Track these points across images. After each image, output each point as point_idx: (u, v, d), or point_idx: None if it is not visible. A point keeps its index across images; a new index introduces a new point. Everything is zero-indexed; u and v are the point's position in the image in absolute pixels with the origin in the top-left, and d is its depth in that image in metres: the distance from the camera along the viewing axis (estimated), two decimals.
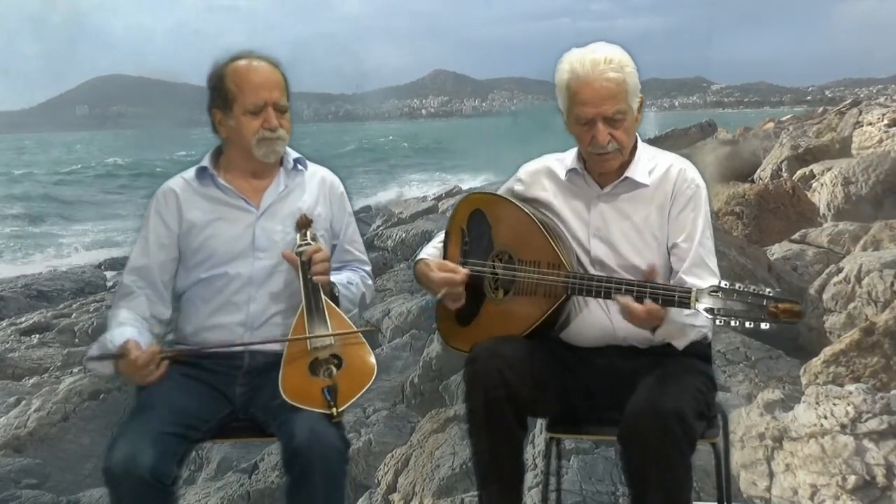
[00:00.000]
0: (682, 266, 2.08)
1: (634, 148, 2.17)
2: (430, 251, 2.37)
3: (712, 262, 2.11)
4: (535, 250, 2.13)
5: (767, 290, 1.82)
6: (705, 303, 1.84)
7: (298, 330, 2.12)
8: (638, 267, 2.11)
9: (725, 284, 1.83)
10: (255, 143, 2.20)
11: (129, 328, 2.14)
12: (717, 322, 1.84)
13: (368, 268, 2.46)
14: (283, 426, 2.00)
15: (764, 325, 1.80)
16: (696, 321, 2.01)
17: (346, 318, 2.17)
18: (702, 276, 2.05)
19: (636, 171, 2.14)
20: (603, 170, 2.16)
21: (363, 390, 2.05)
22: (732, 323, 1.81)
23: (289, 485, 1.97)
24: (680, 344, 2.06)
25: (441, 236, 2.39)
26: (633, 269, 2.11)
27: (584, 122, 2.08)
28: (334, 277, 2.28)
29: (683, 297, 1.87)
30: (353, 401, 2.02)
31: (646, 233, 2.13)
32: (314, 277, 2.14)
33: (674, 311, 1.97)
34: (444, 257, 2.32)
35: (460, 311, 2.28)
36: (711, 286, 1.85)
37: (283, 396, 2.01)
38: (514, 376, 2.01)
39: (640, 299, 1.93)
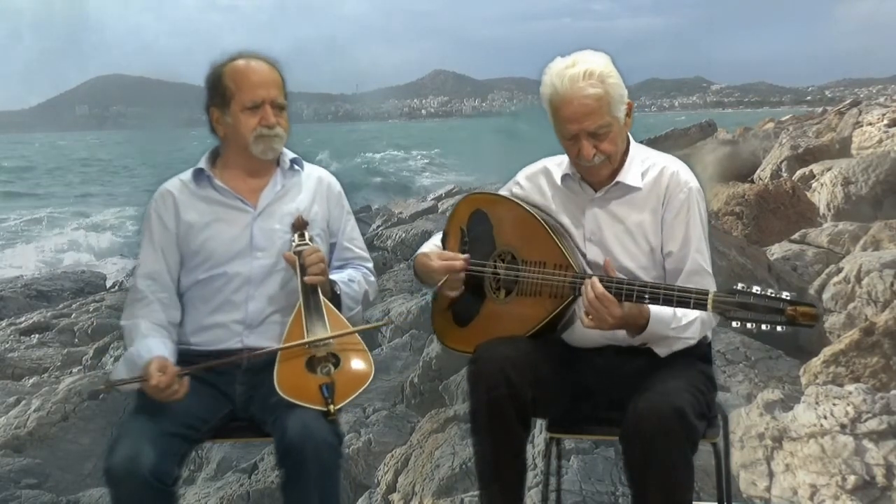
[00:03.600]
0: (679, 274, 2.09)
1: (627, 151, 2.16)
2: (430, 247, 2.37)
3: (709, 265, 2.11)
4: (541, 251, 2.13)
5: (784, 293, 1.82)
6: (721, 305, 1.84)
7: (296, 328, 2.12)
8: (631, 271, 2.11)
9: (742, 287, 1.83)
10: (253, 139, 2.21)
11: (153, 340, 2.13)
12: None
13: (370, 265, 2.46)
14: (276, 422, 2.00)
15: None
16: (683, 333, 2.02)
17: (342, 317, 2.18)
18: (699, 282, 2.05)
19: (628, 175, 2.13)
20: (593, 178, 2.16)
21: (360, 389, 2.05)
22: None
23: (283, 480, 1.97)
24: (662, 352, 2.07)
25: (438, 237, 2.39)
26: (626, 272, 2.11)
27: (568, 137, 2.08)
28: (335, 276, 2.28)
29: (699, 300, 1.87)
30: (350, 399, 2.02)
31: (639, 237, 2.13)
32: (307, 278, 2.14)
33: (658, 324, 1.98)
34: None
35: (458, 310, 2.27)
36: (729, 289, 1.85)
37: (278, 391, 2.01)
38: (518, 376, 2.01)
39: (654, 301, 1.93)
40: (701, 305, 1.87)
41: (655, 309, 1.98)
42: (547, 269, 2.11)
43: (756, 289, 1.82)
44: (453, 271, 2.21)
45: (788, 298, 1.80)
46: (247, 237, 2.24)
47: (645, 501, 1.90)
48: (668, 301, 1.91)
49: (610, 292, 1.95)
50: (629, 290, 1.95)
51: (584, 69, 2.02)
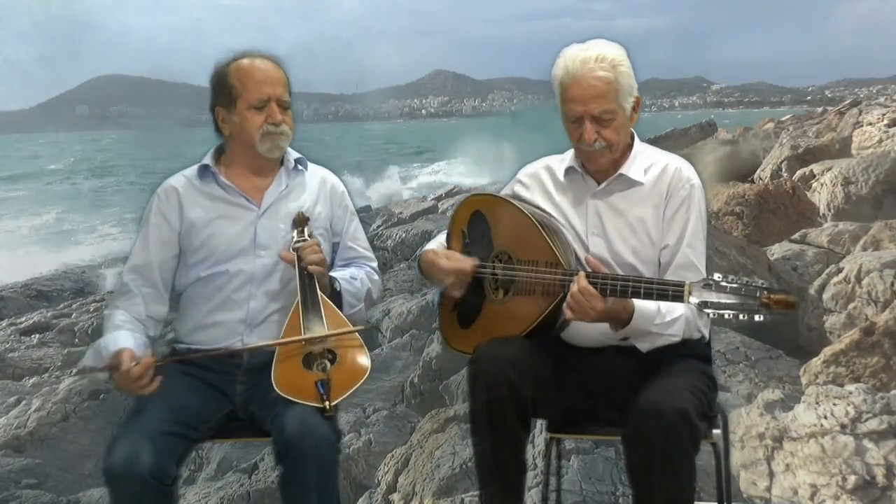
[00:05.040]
0: (669, 268, 2.10)
1: (631, 146, 2.17)
2: (435, 246, 2.37)
3: (701, 263, 2.12)
4: (533, 250, 2.14)
5: (760, 281, 1.82)
6: (698, 296, 1.84)
7: (293, 325, 2.12)
8: (632, 265, 2.13)
9: (718, 277, 1.84)
10: (259, 137, 2.21)
11: (123, 333, 2.13)
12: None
13: (374, 264, 2.47)
14: (275, 419, 2.01)
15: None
16: (666, 330, 2.03)
17: (341, 314, 2.18)
18: (688, 277, 2.06)
19: (631, 168, 2.15)
20: (593, 166, 2.17)
21: (356, 385, 2.05)
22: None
23: (282, 476, 1.98)
24: (644, 347, 2.08)
25: (443, 236, 2.40)
26: (628, 266, 2.13)
27: (573, 119, 2.09)
28: (337, 273, 2.29)
29: (676, 292, 1.88)
30: (346, 395, 2.03)
31: (640, 231, 2.14)
32: (308, 267, 2.15)
33: (641, 319, 1.99)
34: None
35: (462, 312, 2.28)
36: (704, 280, 1.85)
37: (276, 389, 2.02)
38: (517, 376, 2.01)
39: (635, 295, 1.94)
40: (678, 297, 1.88)
41: (640, 304, 1.99)
42: (539, 267, 2.12)
43: (731, 277, 1.83)
44: (462, 274, 2.22)
45: (763, 286, 1.81)
46: (250, 235, 2.25)
47: (648, 502, 1.90)
48: (648, 294, 1.92)
49: (595, 287, 1.97)
50: (612, 286, 1.96)
51: (597, 53, 2.06)
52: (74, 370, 2.10)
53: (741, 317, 1.81)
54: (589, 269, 2.04)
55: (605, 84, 2.04)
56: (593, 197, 2.19)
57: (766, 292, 1.79)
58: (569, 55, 2.09)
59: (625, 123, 2.11)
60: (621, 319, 2.01)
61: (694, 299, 1.85)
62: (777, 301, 1.79)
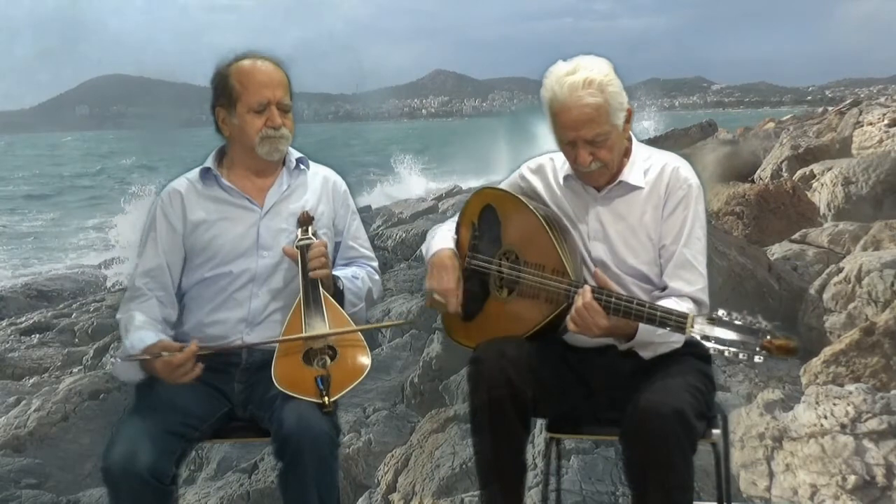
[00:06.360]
0: (666, 267, 2.10)
1: (629, 151, 2.17)
2: (444, 234, 2.35)
3: (700, 262, 2.11)
4: (541, 253, 2.14)
5: (765, 323, 1.81)
6: (700, 330, 1.84)
7: (295, 322, 2.13)
8: (635, 267, 2.13)
9: (723, 314, 1.83)
10: (259, 141, 2.22)
11: (148, 332, 2.14)
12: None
13: (375, 264, 2.48)
14: (274, 415, 2.01)
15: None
16: (669, 338, 2.02)
17: (343, 312, 2.18)
18: (686, 277, 2.07)
19: (631, 174, 2.15)
20: (591, 183, 2.17)
21: (356, 382, 2.06)
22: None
23: (281, 471, 1.98)
24: (647, 355, 2.08)
25: (451, 224, 2.39)
26: (630, 269, 2.13)
27: (566, 143, 2.09)
28: (339, 272, 2.29)
29: (679, 323, 1.88)
30: (345, 392, 2.03)
31: (641, 233, 2.14)
32: (311, 272, 2.15)
33: (645, 332, 1.99)
34: (455, 247, 2.32)
35: (465, 304, 2.28)
36: (708, 315, 1.85)
37: (275, 383, 2.02)
38: (518, 376, 2.01)
39: (638, 318, 1.93)
40: (680, 328, 1.88)
41: None
42: (546, 272, 2.11)
43: (735, 315, 1.82)
44: (447, 294, 2.19)
45: (766, 329, 1.79)
46: (253, 236, 2.25)
47: (645, 502, 1.91)
48: (650, 320, 1.91)
49: (600, 303, 1.96)
50: (616, 305, 1.95)
51: (585, 77, 2.02)
52: (118, 358, 2.08)
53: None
54: (595, 284, 2.03)
55: (595, 109, 2.02)
56: (595, 203, 2.19)
57: (768, 336, 1.78)
58: (556, 79, 2.05)
59: (619, 139, 2.11)
60: (626, 334, 2.02)
61: (696, 333, 1.84)
62: (778, 346, 1.78)
